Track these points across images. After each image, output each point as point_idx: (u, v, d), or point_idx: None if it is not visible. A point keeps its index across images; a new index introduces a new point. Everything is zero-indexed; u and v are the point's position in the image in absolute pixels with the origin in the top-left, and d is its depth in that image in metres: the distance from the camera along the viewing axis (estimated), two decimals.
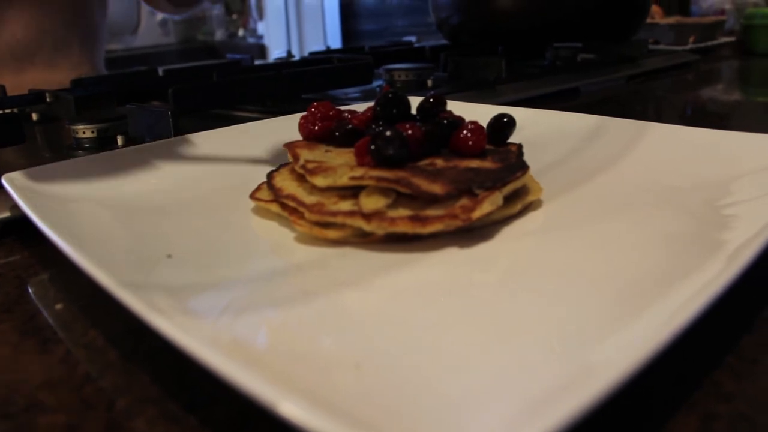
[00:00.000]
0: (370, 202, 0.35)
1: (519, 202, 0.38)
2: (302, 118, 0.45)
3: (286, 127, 0.49)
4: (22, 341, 0.31)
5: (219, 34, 3.29)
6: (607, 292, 0.28)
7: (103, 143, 0.63)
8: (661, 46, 1.33)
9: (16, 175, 0.44)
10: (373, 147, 0.37)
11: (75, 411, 0.25)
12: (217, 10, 3.26)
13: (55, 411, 0.25)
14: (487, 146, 0.42)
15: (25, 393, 0.26)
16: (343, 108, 0.47)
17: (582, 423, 0.18)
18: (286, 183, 0.40)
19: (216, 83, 0.75)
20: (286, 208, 0.38)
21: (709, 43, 1.38)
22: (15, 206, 0.42)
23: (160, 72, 0.94)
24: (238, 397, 0.21)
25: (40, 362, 0.29)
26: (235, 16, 3.34)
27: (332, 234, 0.35)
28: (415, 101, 0.44)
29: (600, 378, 0.19)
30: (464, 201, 0.35)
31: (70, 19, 1.09)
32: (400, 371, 0.23)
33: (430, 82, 0.88)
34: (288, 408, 0.19)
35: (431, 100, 0.44)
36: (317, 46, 1.45)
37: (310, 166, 0.38)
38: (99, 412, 0.25)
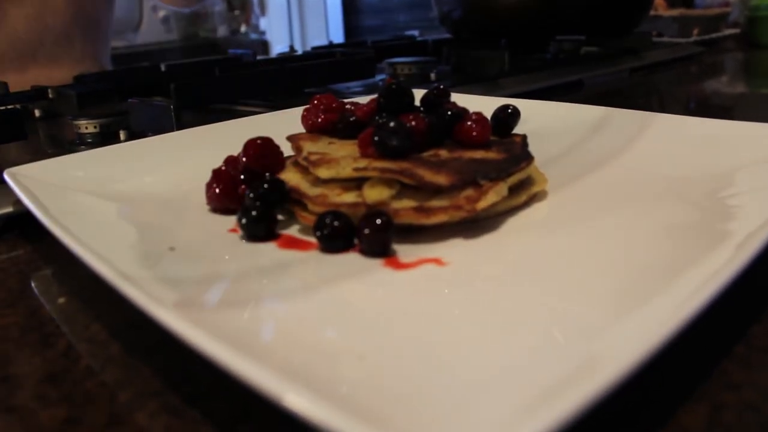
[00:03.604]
0: (374, 194, 0.34)
1: (524, 193, 0.38)
2: (305, 110, 0.45)
3: (289, 121, 0.48)
4: (24, 335, 0.31)
5: (221, 31, 3.28)
6: (614, 283, 0.28)
7: (105, 138, 0.63)
8: (664, 39, 1.32)
9: (18, 170, 0.43)
10: (376, 138, 0.36)
11: (77, 405, 0.25)
12: (219, 7, 3.26)
13: (58, 405, 0.25)
14: (492, 137, 0.41)
15: (28, 387, 0.26)
16: (346, 100, 0.47)
17: (590, 413, 0.18)
18: (289, 175, 0.39)
19: (218, 78, 0.75)
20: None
21: (713, 35, 1.37)
22: (17, 201, 0.42)
23: (163, 68, 0.94)
24: (240, 390, 0.21)
25: (42, 356, 0.29)
26: (237, 12, 3.33)
27: None
28: (418, 94, 0.44)
29: (607, 368, 0.19)
30: (469, 192, 0.34)
31: (72, 14, 1.09)
32: (403, 362, 0.23)
33: (433, 76, 0.87)
34: (293, 399, 0.19)
35: (435, 92, 0.44)
36: (320, 42, 1.45)
37: (313, 158, 0.38)
38: (101, 406, 0.25)
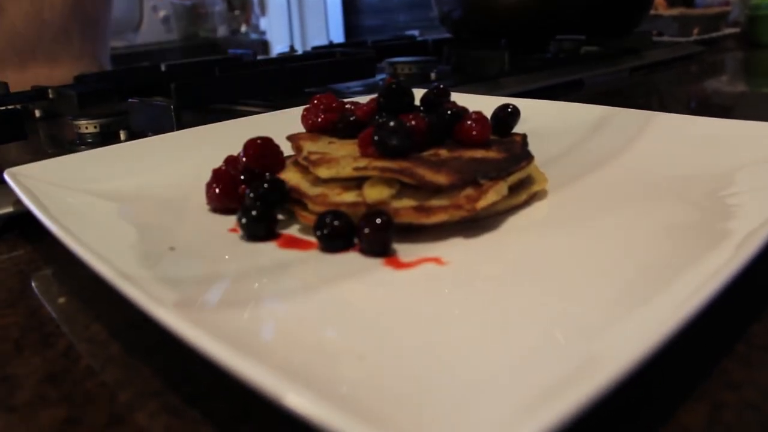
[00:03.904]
0: (374, 193, 0.34)
1: (524, 192, 0.38)
2: (305, 110, 0.45)
3: (289, 121, 0.48)
4: (24, 335, 0.31)
5: (221, 31, 3.28)
6: (614, 282, 0.28)
7: (105, 138, 0.63)
8: (664, 38, 1.32)
9: (19, 170, 0.43)
10: (376, 138, 0.36)
11: (77, 405, 0.25)
12: (219, 7, 3.26)
13: (58, 405, 0.25)
14: (492, 137, 0.41)
15: (28, 386, 0.26)
16: (346, 100, 0.47)
17: (590, 412, 0.18)
18: (289, 175, 0.39)
19: (218, 78, 0.75)
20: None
21: (714, 35, 1.37)
22: (18, 201, 0.42)
23: (163, 68, 0.94)
24: (240, 390, 0.21)
25: (42, 356, 0.29)
26: (237, 12, 3.33)
27: None
28: (418, 93, 0.44)
29: (607, 368, 0.19)
30: (469, 191, 0.34)
31: (69, 10, 1.09)
32: (404, 362, 0.23)
33: (433, 75, 0.87)
34: (294, 399, 0.19)
35: (435, 91, 0.44)
36: (320, 42, 1.45)
37: (313, 157, 0.38)
38: (101, 406, 0.25)
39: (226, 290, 0.30)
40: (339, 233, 0.33)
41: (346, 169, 0.36)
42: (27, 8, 1.04)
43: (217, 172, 0.40)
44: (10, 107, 0.69)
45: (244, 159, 0.40)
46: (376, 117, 0.41)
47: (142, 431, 0.23)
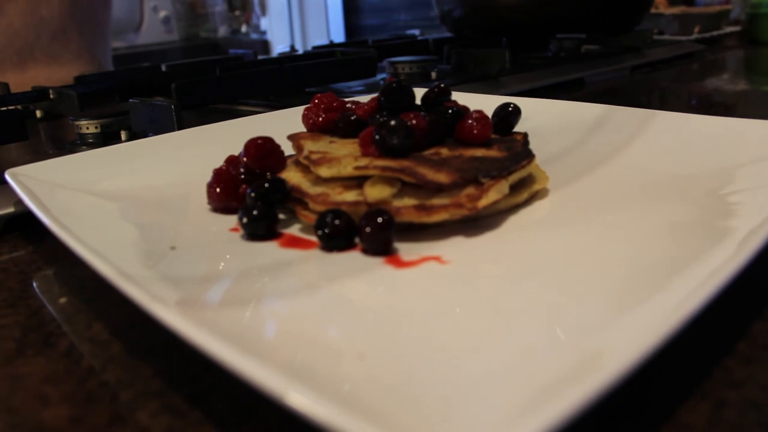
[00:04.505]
0: (375, 192, 0.34)
1: (525, 191, 0.38)
2: (306, 109, 0.45)
3: (290, 120, 0.48)
4: (26, 335, 0.31)
5: (222, 31, 3.28)
6: (615, 280, 0.28)
7: (106, 138, 0.63)
8: (665, 37, 1.32)
9: (20, 170, 0.43)
10: (377, 137, 0.36)
11: (79, 404, 0.25)
12: (220, 7, 3.26)
13: (59, 404, 0.25)
14: (493, 135, 0.41)
15: (30, 387, 0.26)
16: (346, 99, 0.47)
17: (590, 410, 0.18)
18: (290, 174, 0.39)
19: (219, 78, 0.75)
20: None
21: (714, 33, 1.37)
22: (19, 202, 0.42)
23: (163, 68, 0.94)
24: (241, 389, 0.20)
25: (44, 356, 0.29)
26: (237, 12, 3.34)
27: None
28: (419, 92, 0.44)
29: (609, 366, 0.19)
30: (470, 190, 0.34)
31: (67, 7, 1.09)
32: (405, 360, 0.23)
33: (434, 75, 0.87)
34: (296, 398, 0.19)
35: (436, 90, 0.44)
36: (321, 42, 1.45)
37: (314, 156, 0.38)
38: (103, 406, 0.25)
39: (227, 289, 0.30)
40: (340, 232, 0.33)
41: (347, 169, 0.36)
42: (24, 6, 1.04)
43: (218, 172, 0.40)
44: (11, 108, 0.69)
45: (244, 159, 0.40)
46: (377, 116, 0.41)
47: (143, 431, 0.23)
